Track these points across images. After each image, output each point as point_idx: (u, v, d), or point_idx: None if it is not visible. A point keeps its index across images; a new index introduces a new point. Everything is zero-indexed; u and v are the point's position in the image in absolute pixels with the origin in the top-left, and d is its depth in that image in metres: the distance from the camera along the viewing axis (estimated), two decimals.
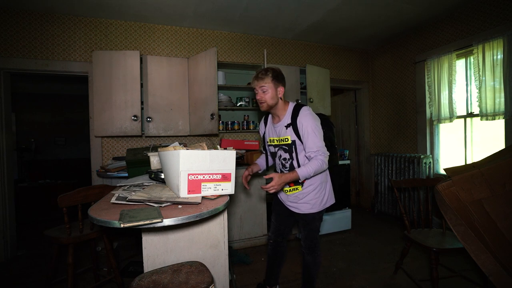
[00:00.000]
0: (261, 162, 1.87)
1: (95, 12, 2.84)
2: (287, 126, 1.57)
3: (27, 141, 5.30)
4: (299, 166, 1.60)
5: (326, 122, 1.76)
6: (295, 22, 3.24)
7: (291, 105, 1.60)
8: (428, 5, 2.87)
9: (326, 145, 1.61)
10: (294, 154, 1.59)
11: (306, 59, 3.87)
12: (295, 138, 1.55)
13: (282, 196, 1.76)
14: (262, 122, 1.82)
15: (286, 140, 1.58)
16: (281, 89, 1.56)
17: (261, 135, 1.82)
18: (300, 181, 1.49)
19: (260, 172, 1.85)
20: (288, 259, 2.56)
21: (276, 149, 1.67)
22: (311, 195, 1.61)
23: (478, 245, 1.01)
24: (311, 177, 1.56)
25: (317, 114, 1.71)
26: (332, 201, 1.69)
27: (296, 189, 1.64)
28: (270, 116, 1.73)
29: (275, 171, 1.80)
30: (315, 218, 1.65)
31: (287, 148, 1.60)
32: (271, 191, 1.41)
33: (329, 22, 3.24)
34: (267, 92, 1.54)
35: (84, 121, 3.48)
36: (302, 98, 3.47)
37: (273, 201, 1.89)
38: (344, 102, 4.80)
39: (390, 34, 3.69)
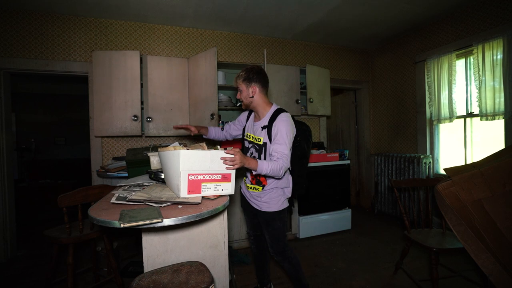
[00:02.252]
0: (213, 131, 1.92)
1: (95, 12, 2.84)
2: (263, 128, 1.60)
3: (27, 141, 5.30)
4: None
5: (303, 132, 1.75)
6: (295, 22, 3.24)
7: (273, 108, 1.63)
8: (428, 5, 2.87)
9: (296, 155, 1.67)
10: (262, 156, 1.61)
11: (306, 59, 3.87)
12: (267, 140, 1.58)
13: (246, 193, 1.78)
14: (246, 113, 1.85)
15: (259, 140, 1.62)
16: (253, 89, 1.59)
17: (240, 123, 1.86)
18: (254, 173, 1.47)
19: (204, 136, 1.93)
20: None
21: (250, 145, 1.70)
22: (269, 195, 1.63)
23: (478, 245, 1.01)
24: (263, 176, 1.58)
25: (300, 122, 1.75)
26: (287, 204, 1.70)
27: (256, 189, 1.66)
28: (253, 112, 1.75)
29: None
30: (275, 218, 1.65)
31: (258, 148, 1.63)
32: (230, 167, 1.27)
33: (329, 22, 3.24)
34: (241, 92, 1.63)
35: (84, 121, 3.48)
36: (302, 98, 3.47)
37: (240, 199, 1.92)
38: (344, 102, 4.80)
39: (390, 34, 3.69)
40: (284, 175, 1.59)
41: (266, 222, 1.66)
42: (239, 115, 1.90)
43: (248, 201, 1.76)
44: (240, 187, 1.88)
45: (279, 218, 1.66)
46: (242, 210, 1.95)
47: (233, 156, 1.26)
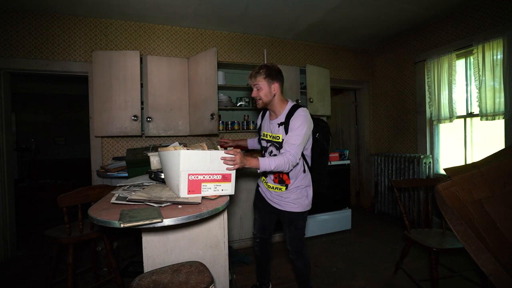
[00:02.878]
0: (251, 141, 2.03)
1: (95, 12, 2.84)
2: (279, 125, 1.57)
3: (27, 141, 5.29)
4: None
5: (321, 128, 1.71)
6: (295, 22, 3.24)
7: (290, 105, 1.59)
8: (428, 5, 2.87)
9: (316, 152, 1.62)
10: None
11: (306, 59, 3.87)
12: (285, 137, 1.54)
13: (266, 192, 1.75)
14: (260, 114, 1.83)
15: (278, 138, 1.59)
16: (275, 86, 1.55)
17: (258, 126, 1.85)
18: (258, 171, 1.46)
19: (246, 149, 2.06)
20: (284, 259, 2.56)
21: (268, 144, 1.67)
22: (294, 194, 1.61)
23: (478, 245, 1.01)
24: (269, 172, 1.58)
25: (318, 118, 1.70)
26: (310, 205, 1.69)
27: (279, 188, 1.63)
28: (268, 111, 1.73)
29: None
30: (300, 218, 1.64)
31: (278, 145, 1.60)
32: (230, 167, 1.27)
33: (329, 22, 3.24)
34: (261, 89, 1.55)
35: (84, 121, 3.48)
36: (302, 98, 3.47)
37: (254, 197, 1.88)
38: (344, 102, 4.80)
39: (390, 34, 3.68)
40: (292, 169, 1.54)
41: (290, 222, 1.65)
42: (257, 121, 1.87)
43: (268, 201, 1.72)
44: (258, 186, 1.85)
45: (303, 217, 1.66)
46: (254, 209, 1.87)
47: (233, 156, 1.26)
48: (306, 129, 1.48)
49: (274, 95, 1.56)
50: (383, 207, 3.80)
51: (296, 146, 1.44)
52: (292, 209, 1.62)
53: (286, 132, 1.53)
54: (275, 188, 1.65)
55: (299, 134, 1.46)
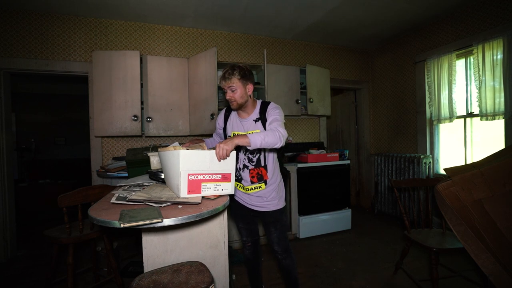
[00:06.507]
0: (209, 142, 1.84)
1: (95, 12, 2.84)
2: (256, 120, 1.57)
3: (27, 141, 5.29)
4: (265, 161, 1.60)
5: None
6: (295, 22, 3.24)
7: (259, 102, 1.62)
8: (428, 5, 2.87)
9: (279, 151, 1.65)
10: (262, 149, 1.56)
11: (306, 59, 3.87)
12: (264, 130, 1.52)
13: (244, 197, 1.69)
14: (222, 114, 1.73)
15: None
16: (250, 87, 1.54)
17: (219, 127, 1.75)
18: (250, 148, 1.31)
19: None
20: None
21: None
22: (274, 193, 1.64)
23: (478, 245, 1.01)
24: (262, 167, 1.58)
25: None
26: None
27: (259, 187, 1.61)
28: (233, 111, 1.68)
29: (237, 168, 1.66)
30: (283, 213, 1.68)
31: None
32: (225, 155, 1.21)
33: (329, 22, 3.24)
34: (236, 91, 1.51)
35: (84, 121, 3.48)
36: (302, 98, 3.47)
37: (231, 208, 1.79)
38: (344, 102, 4.80)
39: (390, 34, 3.68)
40: (283, 145, 1.45)
41: (275, 220, 1.65)
42: (216, 121, 1.78)
43: (248, 206, 1.69)
44: (234, 196, 1.73)
45: (285, 212, 1.70)
46: (235, 219, 1.82)
47: (217, 150, 1.20)
48: (283, 114, 1.54)
49: (250, 96, 1.56)
50: (383, 207, 3.80)
51: (282, 123, 1.47)
52: (275, 207, 1.64)
53: (264, 125, 1.53)
54: (254, 188, 1.62)
55: (279, 114, 1.51)
